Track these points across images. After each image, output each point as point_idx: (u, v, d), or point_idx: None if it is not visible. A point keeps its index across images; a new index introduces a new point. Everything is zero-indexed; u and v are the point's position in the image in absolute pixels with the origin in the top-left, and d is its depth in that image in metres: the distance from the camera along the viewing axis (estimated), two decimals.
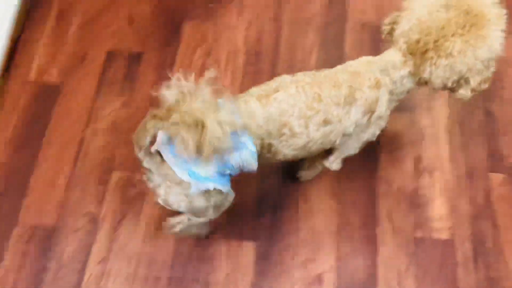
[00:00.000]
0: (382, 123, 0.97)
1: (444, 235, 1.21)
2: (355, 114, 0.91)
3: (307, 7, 1.55)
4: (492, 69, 0.89)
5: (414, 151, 1.32)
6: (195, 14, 1.52)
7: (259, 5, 1.54)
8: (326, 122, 0.89)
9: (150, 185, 0.89)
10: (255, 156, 0.86)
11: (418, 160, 1.30)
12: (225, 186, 0.88)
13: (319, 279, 1.16)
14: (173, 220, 1.06)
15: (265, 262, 1.18)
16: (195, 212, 0.95)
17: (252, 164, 0.87)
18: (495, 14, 0.85)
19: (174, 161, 0.82)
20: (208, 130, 0.72)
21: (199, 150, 0.73)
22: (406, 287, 1.15)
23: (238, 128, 0.79)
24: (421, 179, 1.28)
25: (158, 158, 0.84)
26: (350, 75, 0.91)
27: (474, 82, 0.88)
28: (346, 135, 0.94)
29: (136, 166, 1.16)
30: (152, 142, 0.81)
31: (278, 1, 1.56)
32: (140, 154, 0.82)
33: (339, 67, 0.95)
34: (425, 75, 0.89)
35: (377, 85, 0.91)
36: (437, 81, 0.89)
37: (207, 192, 0.86)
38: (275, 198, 1.26)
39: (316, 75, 0.92)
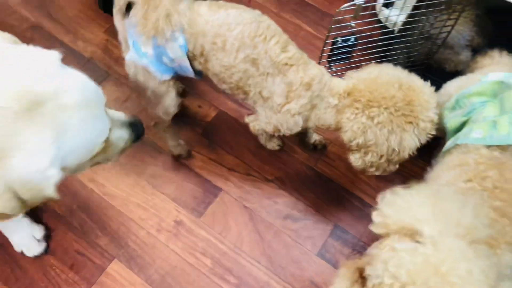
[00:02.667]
0: (290, 120, 0.98)
1: None
2: (275, 85, 0.93)
3: None
4: (392, 167, 0.94)
5: None
6: None
7: None
8: (253, 64, 0.92)
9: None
10: (184, 51, 0.94)
11: None
12: (157, 72, 0.97)
13: None
14: None
15: None
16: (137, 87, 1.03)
17: (183, 60, 0.95)
18: (430, 121, 0.88)
19: (132, 30, 0.93)
20: (160, 8, 0.85)
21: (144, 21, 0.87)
22: None
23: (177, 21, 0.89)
24: None
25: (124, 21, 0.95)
26: (298, 56, 0.92)
27: (370, 157, 0.91)
28: (261, 97, 0.98)
29: None
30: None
31: None
32: (115, 11, 0.94)
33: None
34: (344, 119, 0.91)
35: (308, 85, 0.92)
36: (347, 134, 0.91)
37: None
38: None
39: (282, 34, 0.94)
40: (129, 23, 0.94)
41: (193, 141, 1.35)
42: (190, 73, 1.01)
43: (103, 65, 1.46)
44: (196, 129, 1.37)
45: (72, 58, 1.46)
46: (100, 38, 1.51)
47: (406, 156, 0.91)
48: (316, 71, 0.94)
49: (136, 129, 0.84)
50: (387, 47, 1.22)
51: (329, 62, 1.17)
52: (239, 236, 1.22)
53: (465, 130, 0.87)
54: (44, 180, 0.62)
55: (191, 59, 0.97)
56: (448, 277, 0.59)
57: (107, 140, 0.75)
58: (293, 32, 1.55)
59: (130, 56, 0.97)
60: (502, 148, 0.80)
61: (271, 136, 1.24)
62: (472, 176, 0.80)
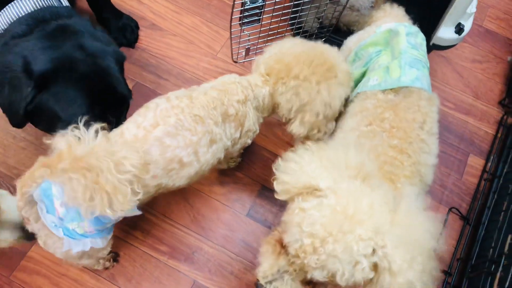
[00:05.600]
0: (251, 134, 1.00)
1: None
2: (230, 129, 0.92)
3: None
4: (330, 125, 0.97)
5: None
6: None
7: None
8: (212, 142, 0.88)
9: (29, 228, 0.81)
10: (135, 208, 0.80)
11: None
12: (104, 240, 0.83)
13: None
14: None
15: None
16: (72, 259, 0.86)
17: (134, 212, 0.81)
18: (345, 72, 0.93)
19: (49, 218, 0.76)
20: (104, 175, 0.66)
21: (91, 198, 0.66)
22: None
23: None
24: None
25: (37, 209, 0.77)
26: (219, 93, 0.90)
27: (308, 117, 0.94)
28: (226, 149, 0.96)
29: None
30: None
31: None
32: (20, 202, 0.76)
33: (206, 85, 0.94)
34: (278, 96, 0.94)
35: (245, 100, 0.93)
36: (286, 107, 0.95)
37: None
38: None
39: (191, 96, 0.88)
40: (48, 219, 0.77)
41: None
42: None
43: None
44: None
45: None
46: None
47: (338, 107, 0.95)
48: (232, 86, 0.93)
49: None
50: (297, 8, 1.26)
51: (241, 25, 1.19)
52: (168, 205, 1.23)
53: (364, 79, 0.94)
54: None
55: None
56: (356, 217, 0.64)
57: None
58: (206, 1, 1.54)
59: (66, 246, 0.79)
60: (395, 90, 0.87)
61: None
62: (372, 119, 0.87)
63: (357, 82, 0.98)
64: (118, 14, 1.39)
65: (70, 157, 0.66)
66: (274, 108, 1.00)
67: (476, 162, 1.45)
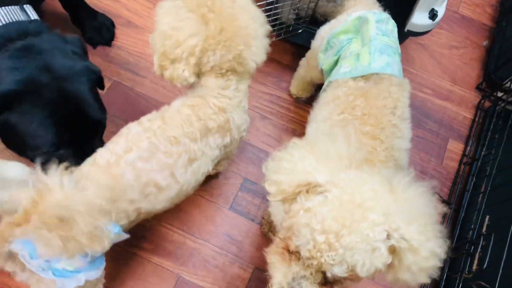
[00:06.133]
0: (244, 127, 0.96)
1: None
2: (214, 141, 0.88)
3: None
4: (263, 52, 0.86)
5: None
6: None
7: None
8: (191, 161, 0.85)
9: (18, 279, 0.77)
10: (122, 233, 0.79)
11: None
12: (98, 271, 0.80)
13: None
14: None
15: None
16: None
17: (121, 237, 0.79)
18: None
19: (35, 263, 0.72)
20: (78, 225, 0.64)
21: (66, 248, 0.64)
22: None
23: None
24: None
25: (19, 259, 0.73)
26: (193, 108, 0.86)
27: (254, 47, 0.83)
28: (217, 158, 0.92)
29: None
30: None
31: None
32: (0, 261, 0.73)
33: (176, 103, 0.89)
34: (208, 66, 0.84)
35: (221, 110, 0.88)
36: (226, 58, 0.83)
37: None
38: None
39: (163, 117, 0.85)
40: (34, 264, 0.73)
41: None
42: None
43: None
44: None
45: None
46: None
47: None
48: (200, 100, 0.88)
49: None
50: (273, 4, 1.27)
51: None
52: None
53: (336, 68, 0.94)
54: None
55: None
56: (364, 204, 0.62)
57: None
58: None
59: (60, 286, 0.77)
60: (366, 77, 0.88)
61: None
62: (343, 108, 0.88)
63: (330, 71, 0.98)
64: (93, 13, 1.38)
65: (38, 211, 0.63)
66: (237, 68, 0.86)
67: (455, 147, 1.47)
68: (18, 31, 0.88)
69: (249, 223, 1.26)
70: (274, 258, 0.70)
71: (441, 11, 1.20)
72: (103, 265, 0.82)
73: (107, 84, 1.36)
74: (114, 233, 0.76)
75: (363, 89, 0.87)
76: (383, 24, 0.93)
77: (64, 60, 0.87)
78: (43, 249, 0.65)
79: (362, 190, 0.64)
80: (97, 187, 0.71)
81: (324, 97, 0.93)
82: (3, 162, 0.80)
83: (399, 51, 0.96)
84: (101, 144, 0.92)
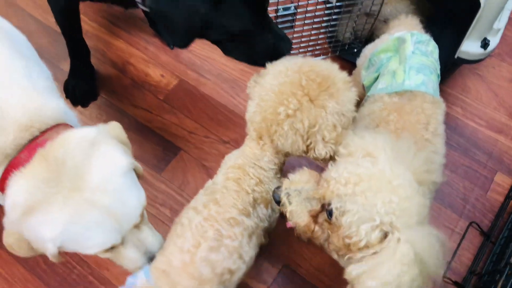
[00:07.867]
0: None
1: None
2: (262, 212, 0.90)
3: None
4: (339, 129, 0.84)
5: None
6: None
7: None
8: (251, 236, 0.87)
9: None
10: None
11: None
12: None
13: None
14: None
15: None
16: None
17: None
18: (343, 81, 0.85)
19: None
20: None
21: None
22: None
23: None
24: None
25: None
26: (237, 183, 0.88)
27: (327, 134, 0.82)
28: (266, 229, 0.94)
29: None
30: None
31: None
32: None
33: (218, 179, 0.91)
34: (281, 147, 0.86)
35: (260, 181, 0.89)
36: (293, 148, 0.85)
37: None
38: None
39: (216, 200, 0.86)
40: None
41: (155, 106, 1.49)
42: None
43: None
44: (158, 95, 1.51)
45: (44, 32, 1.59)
46: None
47: (351, 112, 0.86)
48: (242, 172, 0.90)
49: None
50: (330, 21, 1.36)
51: None
52: (197, 189, 1.32)
53: (375, 84, 1.01)
54: (42, 246, 0.72)
55: None
56: (393, 185, 0.67)
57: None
58: None
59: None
60: (400, 94, 0.94)
61: None
62: (378, 122, 0.94)
63: (371, 86, 1.05)
64: None
65: None
66: (286, 155, 0.92)
67: (503, 180, 1.44)
68: None
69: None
70: (309, 173, 0.78)
71: (494, 41, 1.22)
72: None
73: (174, 81, 1.54)
74: None
75: (397, 105, 0.93)
76: (423, 45, 0.98)
77: None
78: None
79: (401, 180, 0.68)
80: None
81: (361, 111, 0.99)
82: None
83: (438, 72, 1.00)
84: None
